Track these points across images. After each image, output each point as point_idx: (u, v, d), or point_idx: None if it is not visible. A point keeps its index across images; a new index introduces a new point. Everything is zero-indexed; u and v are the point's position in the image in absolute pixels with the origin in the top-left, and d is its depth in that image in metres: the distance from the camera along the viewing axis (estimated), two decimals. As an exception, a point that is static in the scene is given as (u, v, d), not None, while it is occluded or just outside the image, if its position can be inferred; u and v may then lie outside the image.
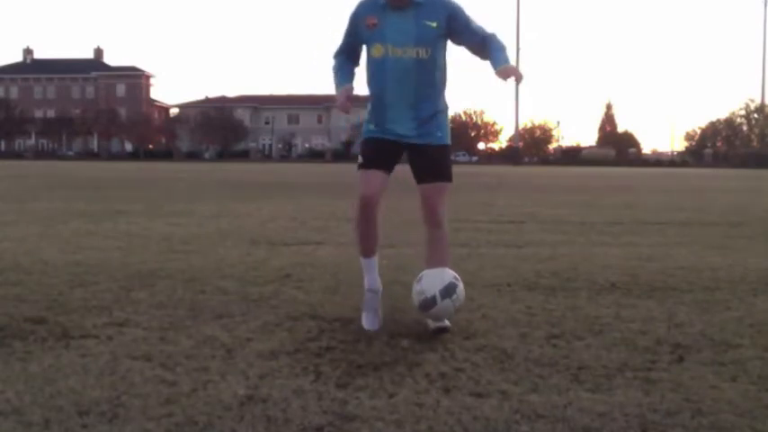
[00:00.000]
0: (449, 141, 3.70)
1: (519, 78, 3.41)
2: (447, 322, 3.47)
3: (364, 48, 3.64)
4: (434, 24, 3.45)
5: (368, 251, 3.69)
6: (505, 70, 3.40)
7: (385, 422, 2.35)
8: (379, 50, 3.52)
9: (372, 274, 3.71)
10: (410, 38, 3.46)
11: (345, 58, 3.75)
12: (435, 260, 3.64)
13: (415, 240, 6.86)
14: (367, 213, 3.59)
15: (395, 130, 3.59)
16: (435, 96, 3.62)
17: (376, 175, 3.57)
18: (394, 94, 3.54)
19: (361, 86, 3.86)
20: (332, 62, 3.79)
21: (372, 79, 3.63)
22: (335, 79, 3.74)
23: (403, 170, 3.71)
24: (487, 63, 3.54)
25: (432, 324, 3.48)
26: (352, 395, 2.59)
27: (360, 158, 3.65)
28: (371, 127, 3.67)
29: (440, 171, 3.63)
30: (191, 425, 2.31)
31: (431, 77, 3.55)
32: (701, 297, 4.37)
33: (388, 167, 3.61)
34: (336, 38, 3.80)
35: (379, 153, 3.60)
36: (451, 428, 2.32)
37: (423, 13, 3.45)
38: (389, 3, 3.47)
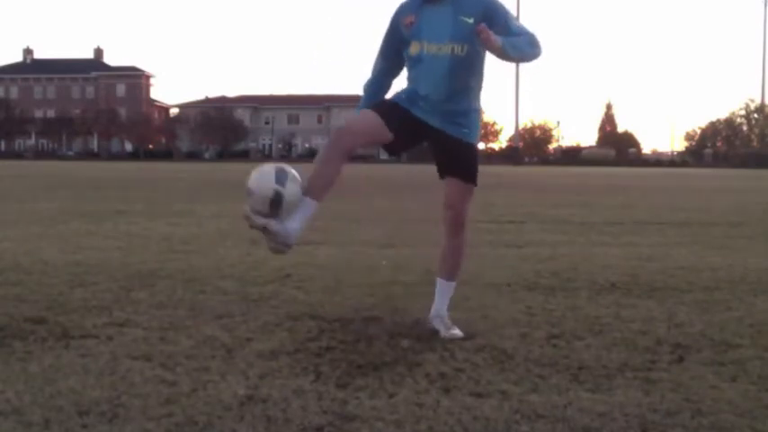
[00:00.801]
0: (476, 141, 3.55)
1: (485, 40, 3.15)
2: (459, 332, 3.40)
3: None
4: (471, 20, 3.27)
5: (316, 192, 3.16)
6: (481, 29, 3.12)
7: (385, 422, 2.35)
8: (415, 47, 3.35)
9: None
10: (446, 33, 3.29)
11: (380, 78, 3.57)
12: (446, 268, 3.58)
13: (414, 241, 6.86)
14: (336, 152, 3.23)
15: (421, 114, 3.38)
16: (471, 96, 3.45)
17: (373, 118, 3.27)
18: (428, 91, 3.37)
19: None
20: (371, 72, 3.61)
21: (409, 77, 3.47)
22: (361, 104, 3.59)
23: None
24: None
25: (444, 332, 3.41)
26: (352, 395, 2.59)
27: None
28: (402, 96, 3.44)
29: (466, 170, 3.49)
30: (191, 425, 2.31)
31: (467, 75, 3.39)
32: (701, 297, 4.37)
33: (395, 127, 3.28)
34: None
35: (395, 112, 3.34)
36: (451, 428, 2.32)
37: (460, 9, 3.29)
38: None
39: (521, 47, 3.26)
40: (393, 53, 3.50)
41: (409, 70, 3.47)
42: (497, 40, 3.12)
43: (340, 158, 3.22)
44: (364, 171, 36.26)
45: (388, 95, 3.55)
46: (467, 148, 3.50)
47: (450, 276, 3.59)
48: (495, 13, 3.30)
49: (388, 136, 3.30)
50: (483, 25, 3.13)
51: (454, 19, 3.29)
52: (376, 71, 3.59)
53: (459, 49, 3.30)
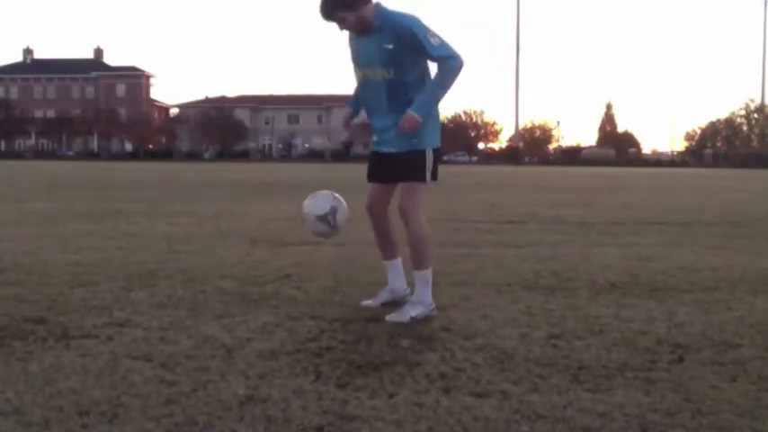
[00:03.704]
0: (422, 147, 3.79)
1: (403, 131, 3.67)
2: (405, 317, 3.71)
3: None
4: (390, 46, 3.66)
5: (384, 254, 4.11)
6: (403, 119, 3.65)
7: (385, 422, 2.35)
8: (359, 74, 3.86)
9: (390, 275, 4.09)
10: (376, 60, 3.72)
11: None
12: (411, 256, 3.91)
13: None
14: (373, 222, 4.03)
15: (381, 147, 3.89)
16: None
17: (374, 188, 3.99)
18: (371, 112, 3.88)
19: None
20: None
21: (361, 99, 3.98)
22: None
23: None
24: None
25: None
26: (352, 395, 2.59)
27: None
28: (374, 138, 3.96)
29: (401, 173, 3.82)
30: (191, 425, 2.31)
31: (401, 96, 3.74)
32: (701, 297, 4.37)
33: (384, 179, 3.94)
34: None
35: (373, 166, 3.97)
36: (451, 428, 2.32)
37: (382, 37, 3.68)
38: (354, 31, 3.77)
39: (434, 92, 3.69)
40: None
41: (360, 94, 3.96)
42: (414, 119, 3.62)
43: (379, 226, 4.03)
44: (362, 171, 36.25)
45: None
46: (408, 156, 3.81)
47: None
48: (411, 35, 3.64)
49: (387, 185, 3.96)
50: (403, 118, 3.64)
51: (378, 46, 3.69)
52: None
53: (387, 72, 3.72)
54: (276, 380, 2.75)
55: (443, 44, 3.63)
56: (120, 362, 2.95)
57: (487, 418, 2.39)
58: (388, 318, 3.68)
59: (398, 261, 4.09)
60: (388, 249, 4.07)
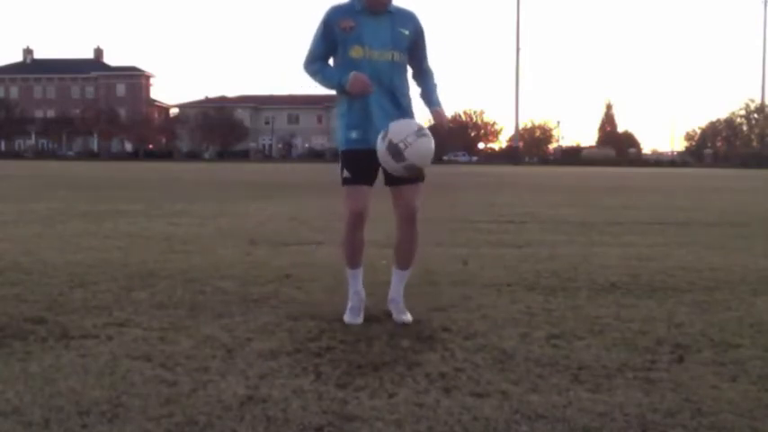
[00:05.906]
0: None
1: (445, 126, 3.68)
2: (410, 317, 3.68)
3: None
4: (407, 32, 3.64)
5: (356, 262, 3.80)
6: (439, 114, 3.69)
7: (385, 422, 2.35)
8: (357, 51, 3.56)
9: (359, 282, 3.82)
10: (387, 41, 3.59)
11: (324, 63, 3.73)
12: (404, 256, 3.82)
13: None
14: (356, 229, 3.68)
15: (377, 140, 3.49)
16: (409, 99, 3.76)
17: (362, 191, 3.63)
18: (375, 96, 3.56)
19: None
20: (310, 69, 3.73)
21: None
22: (328, 77, 3.68)
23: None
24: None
25: (396, 315, 3.71)
26: (352, 395, 2.59)
27: (345, 172, 3.63)
28: (353, 135, 3.63)
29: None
30: (191, 425, 2.31)
31: (405, 81, 3.73)
32: (701, 297, 4.37)
33: (372, 180, 3.65)
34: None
35: (363, 167, 3.59)
36: (451, 428, 2.32)
37: (397, 21, 3.62)
38: (367, 8, 3.56)
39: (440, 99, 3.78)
40: (326, 52, 3.70)
41: (345, 71, 3.58)
42: (446, 115, 3.72)
43: (361, 233, 3.72)
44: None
45: (344, 138, 3.71)
46: None
47: (403, 266, 3.84)
48: (422, 37, 3.73)
49: (372, 186, 3.67)
50: (438, 111, 3.68)
51: (393, 29, 3.60)
52: (320, 64, 3.71)
53: (398, 56, 3.62)
54: (276, 380, 2.75)
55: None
56: (120, 362, 2.95)
57: (487, 418, 2.39)
58: (399, 319, 3.66)
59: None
60: (361, 256, 3.81)
